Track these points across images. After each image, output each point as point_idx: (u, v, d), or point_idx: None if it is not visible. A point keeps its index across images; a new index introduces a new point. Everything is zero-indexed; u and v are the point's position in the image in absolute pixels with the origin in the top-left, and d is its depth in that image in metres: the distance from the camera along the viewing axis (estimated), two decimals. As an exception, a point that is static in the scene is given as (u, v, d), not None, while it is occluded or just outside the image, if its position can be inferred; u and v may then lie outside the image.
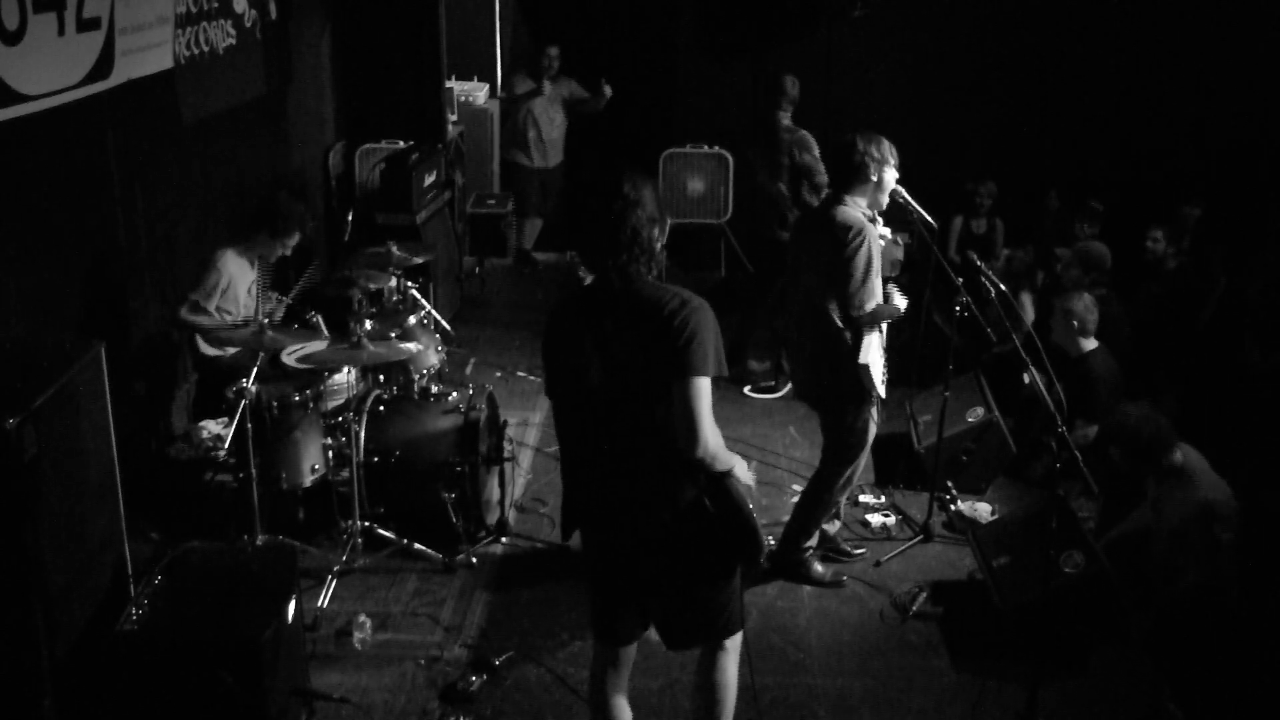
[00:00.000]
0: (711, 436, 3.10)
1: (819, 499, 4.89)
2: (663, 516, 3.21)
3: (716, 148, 9.01)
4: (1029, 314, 6.67)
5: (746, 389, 7.05)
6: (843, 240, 4.46)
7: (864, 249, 4.46)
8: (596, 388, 3.18)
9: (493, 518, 5.32)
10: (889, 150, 4.61)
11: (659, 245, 3.21)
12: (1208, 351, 6.62)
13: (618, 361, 3.16)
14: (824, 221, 4.57)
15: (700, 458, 3.10)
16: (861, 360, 4.53)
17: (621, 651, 3.53)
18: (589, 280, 3.33)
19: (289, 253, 5.76)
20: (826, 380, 4.69)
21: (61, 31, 4.64)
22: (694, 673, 3.62)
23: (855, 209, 4.57)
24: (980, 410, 5.78)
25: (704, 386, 3.07)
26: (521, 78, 8.95)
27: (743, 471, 3.30)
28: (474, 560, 5.07)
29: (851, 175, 4.59)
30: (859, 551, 5.24)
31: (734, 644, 3.51)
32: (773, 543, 5.08)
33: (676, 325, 3.05)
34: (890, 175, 4.62)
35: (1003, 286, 4.87)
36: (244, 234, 5.68)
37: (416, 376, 5.54)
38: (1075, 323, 5.69)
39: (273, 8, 7.15)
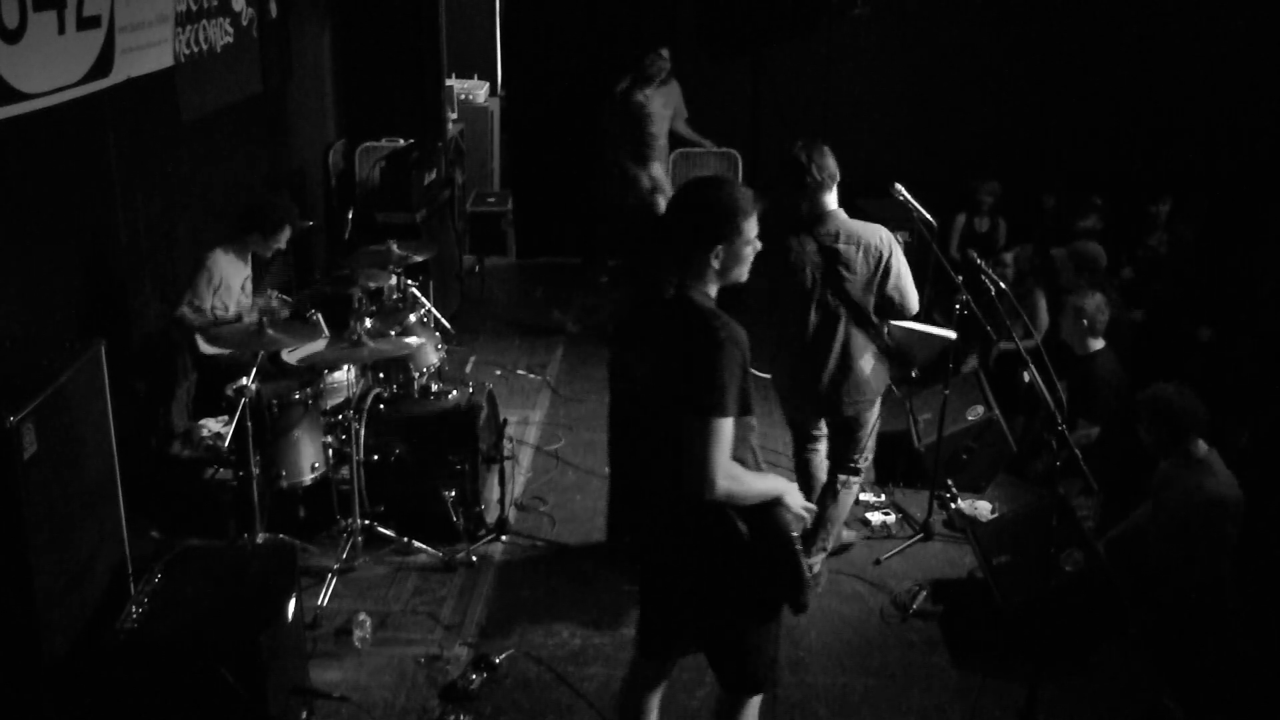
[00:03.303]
0: (723, 480, 2.89)
1: (844, 503, 4.89)
2: (686, 540, 3.07)
3: (724, 147, 8.97)
4: (1043, 316, 6.63)
5: None
6: (884, 249, 4.47)
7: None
8: (639, 398, 3.11)
9: (493, 516, 5.31)
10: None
11: (717, 262, 3.01)
12: (1207, 352, 6.60)
13: (652, 378, 3.07)
14: (852, 231, 4.50)
15: (710, 500, 2.92)
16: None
17: (657, 666, 3.42)
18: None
19: (283, 247, 5.79)
20: (855, 382, 4.61)
21: (62, 30, 4.64)
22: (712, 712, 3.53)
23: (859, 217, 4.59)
24: (980, 408, 5.77)
25: (718, 427, 2.86)
26: (635, 84, 8.04)
27: (795, 500, 3.08)
28: (474, 559, 5.07)
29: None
30: (851, 534, 5.29)
31: (755, 702, 3.34)
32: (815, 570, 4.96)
33: (702, 355, 2.88)
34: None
35: (1003, 285, 4.87)
36: (236, 234, 5.71)
37: (416, 374, 5.53)
38: (1085, 321, 5.67)
39: (273, 6, 7.15)
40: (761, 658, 3.21)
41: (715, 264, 3.01)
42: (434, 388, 5.46)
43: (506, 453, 5.29)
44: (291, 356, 5.21)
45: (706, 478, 2.87)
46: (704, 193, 3.04)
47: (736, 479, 2.93)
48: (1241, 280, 6.91)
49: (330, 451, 5.05)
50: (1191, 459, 4.55)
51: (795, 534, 3.04)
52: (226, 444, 5.05)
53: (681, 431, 2.90)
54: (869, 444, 4.83)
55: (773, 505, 3.02)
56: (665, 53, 7.95)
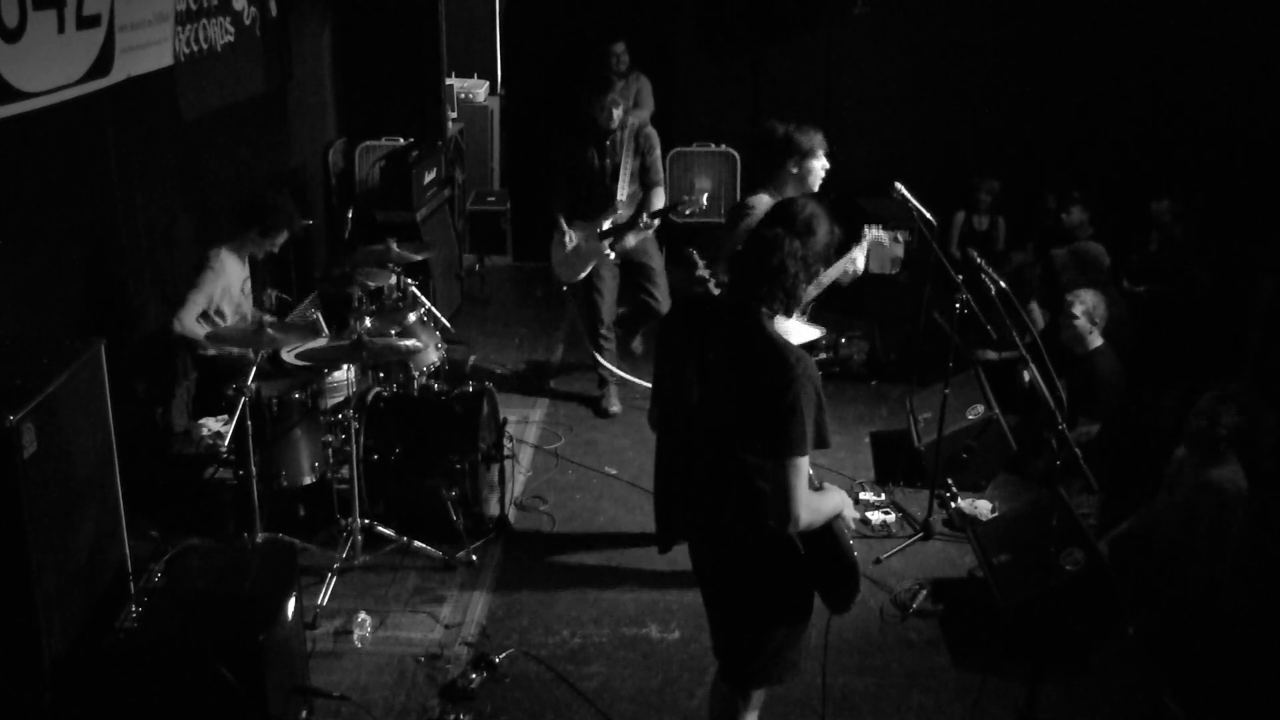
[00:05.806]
0: (804, 513, 2.99)
1: None
2: (745, 546, 3.14)
3: (724, 146, 8.96)
4: (1039, 322, 6.65)
5: None
6: None
7: None
8: (694, 407, 3.14)
9: (493, 515, 5.31)
10: None
11: (804, 288, 3.05)
12: (1203, 351, 6.60)
13: (711, 394, 3.10)
14: None
15: (791, 533, 3.02)
16: None
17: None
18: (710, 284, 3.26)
19: (276, 250, 5.68)
20: None
21: (61, 29, 4.64)
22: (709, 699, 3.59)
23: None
24: (980, 407, 5.76)
25: (797, 465, 2.95)
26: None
27: (849, 512, 3.20)
28: (474, 558, 5.07)
29: None
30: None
31: (759, 698, 3.42)
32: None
33: (777, 393, 2.93)
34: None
35: (1003, 284, 4.87)
36: (235, 231, 5.62)
37: (416, 374, 5.54)
38: (1086, 319, 5.67)
39: (273, 5, 7.15)
40: (779, 654, 3.27)
41: (812, 290, 3.07)
42: (434, 387, 5.46)
43: (506, 452, 5.29)
44: (291, 355, 5.20)
45: (790, 515, 2.97)
46: (803, 221, 3.06)
47: (815, 510, 3.04)
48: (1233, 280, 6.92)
49: (330, 451, 5.04)
50: (1218, 455, 4.54)
51: (851, 541, 3.18)
52: (226, 443, 5.05)
53: (761, 470, 2.99)
54: None
55: (834, 520, 3.14)
56: (619, 47, 8.02)
